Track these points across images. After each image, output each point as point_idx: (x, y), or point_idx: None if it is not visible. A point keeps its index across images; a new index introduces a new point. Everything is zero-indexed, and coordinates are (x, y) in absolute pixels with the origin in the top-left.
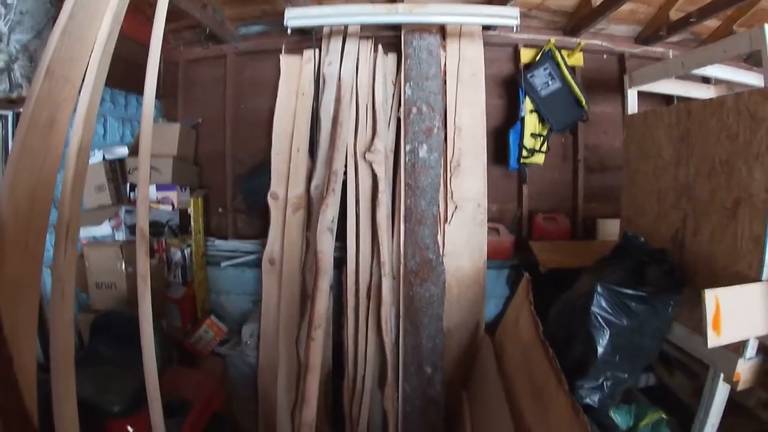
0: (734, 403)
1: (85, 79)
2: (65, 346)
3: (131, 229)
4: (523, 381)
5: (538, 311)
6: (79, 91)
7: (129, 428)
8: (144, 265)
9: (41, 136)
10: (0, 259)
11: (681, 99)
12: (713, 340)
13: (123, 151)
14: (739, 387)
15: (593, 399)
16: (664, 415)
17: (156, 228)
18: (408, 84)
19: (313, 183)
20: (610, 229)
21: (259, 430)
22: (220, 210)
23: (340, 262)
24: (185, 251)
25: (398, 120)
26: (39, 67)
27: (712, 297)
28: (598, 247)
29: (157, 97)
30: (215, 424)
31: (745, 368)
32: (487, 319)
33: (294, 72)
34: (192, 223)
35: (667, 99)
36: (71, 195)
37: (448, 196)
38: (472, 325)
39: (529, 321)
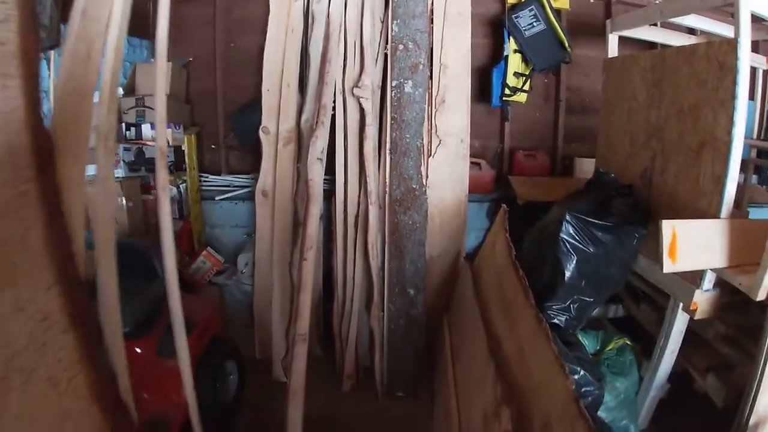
0: (694, 335)
1: (111, 17)
2: (106, 231)
3: (129, 166)
4: (496, 299)
5: (514, 241)
6: (107, 28)
7: (137, 349)
8: (163, 177)
9: (81, 65)
10: (56, 166)
11: (664, 47)
12: (668, 266)
13: (117, 92)
14: (697, 316)
15: (560, 319)
16: (628, 341)
17: (152, 165)
18: (395, 21)
19: (303, 117)
20: (587, 167)
21: (255, 351)
22: (212, 147)
23: (329, 194)
24: (181, 187)
25: (385, 56)
26: (74, 10)
27: (669, 227)
28: (574, 183)
29: (147, 37)
30: (215, 345)
31: (702, 299)
32: (468, 250)
33: (283, 10)
34: (186, 160)
35: (652, 47)
36: (107, 113)
37: (432, 130)
38: (454, 254)
39: (504, 246)
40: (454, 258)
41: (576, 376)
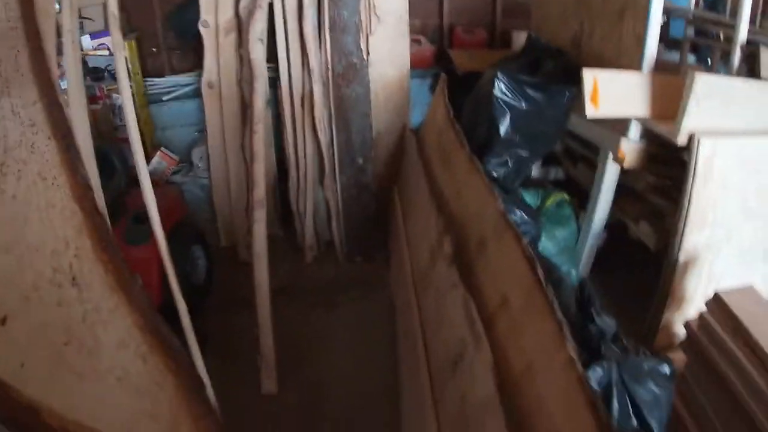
0: (627, 188)
1: None
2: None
3: None
4: (437, 157)
5: (455, 110)
6: None
7: None
8: (118, 39)
9: None
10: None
11: None
12: (591, 112)
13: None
14: (625, 166)
15: (499, 172)
16: (566, 196)
17: (96, 74)
18: None
19: (242, 4)
20: (524, 39)
21: (221, 240)
22: (153, 50)
23: (274, 82)
24: None
25: None
26: None
27: (590, 75)
28: (511, 53)
29: None
30: (179, 231)
31: (629, 149)
32: (414, 125)
33: None
34: (129, 66)
35: None
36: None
37: (371, 9)
38: (399, 127)
39: (443, 109)
40: (400, 132)
41: (513, 216)
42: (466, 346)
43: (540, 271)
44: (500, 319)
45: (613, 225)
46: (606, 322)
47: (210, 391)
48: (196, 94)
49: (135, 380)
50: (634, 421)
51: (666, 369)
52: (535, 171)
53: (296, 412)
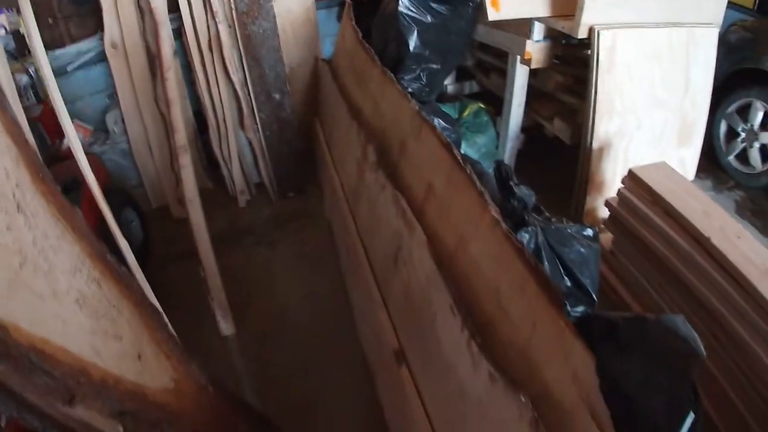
0: (538, 91)
1: None
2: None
3: None
4: (351, 79)
5: (363, 33)
6: None
7: None
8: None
9: None
10: None
11: None
12: (492, 14)
13: None
14: (533, 65)
15: (413, 87)
16: (482, 105)
17: None
18: None
19: None
20: None
21: (151, 203)
22: (50, 21)
23: (178, 33)
24: (30, 71)
25: None
26: None
27: None
28: None
29: None
30: (106, 195)
31: (534, 49)
32: (327, 57)
33: None
34: (27, 42)
35: None
36: None
37: None
38: (312, 60)
39: (351, 31)
40: (313, 64)
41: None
42: (402, 237)
43: (457, 152)
44: (429, 205)
45: (529, 127)
46: (525, 192)
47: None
48: (101, 58)
49: (93, 303)
50: (568, 282)
51: (589, 231)
52: (451, 87)
53: (257, 346)
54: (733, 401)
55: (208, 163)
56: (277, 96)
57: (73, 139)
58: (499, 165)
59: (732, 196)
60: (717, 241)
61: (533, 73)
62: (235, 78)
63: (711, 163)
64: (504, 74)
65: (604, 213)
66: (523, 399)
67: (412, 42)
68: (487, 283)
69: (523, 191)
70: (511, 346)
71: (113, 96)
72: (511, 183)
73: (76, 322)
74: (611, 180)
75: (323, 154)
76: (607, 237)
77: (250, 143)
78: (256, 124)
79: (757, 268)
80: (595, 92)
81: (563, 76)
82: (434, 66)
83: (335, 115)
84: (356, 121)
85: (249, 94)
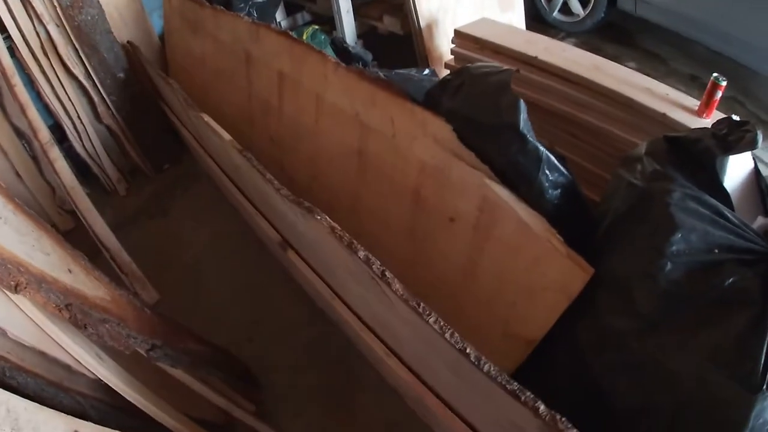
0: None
1: None
2: None
3: None
4: (188, 32)
5: None
6: None
7: None
8: None
9: None
10: None
11: None
12: None
13: None
14: None
15: None
16: (316, 26)
17: None
18: None
19: None
20: None
21: None
22: None
23: (12, 51)
24: None
25: None
26: None
27: None
28: None
29: None
30: None
31: None
32: (159, 32)
33: None
34: None
35: None
36: None
37: None
38: (147, 37)
39: None
40: (148, 39)
41: None
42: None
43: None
44: (285, 90)
45: (365, 33)
46: (360, 51)
47: None
48: None
49: (16, 224)
50: None
51: (428, 71)
52: (284, 22)
53: (184, 300)
54: (604, 177)
55: (78, 170)
56: (122, 75)
57: None
58: (332, 39)
59: None
60: (544, 57)
61: None
62: (77, 71)
63: (539, 23)
64: None
65: None
66: None
67: None
68: (348, 113)
69: (358, 50)
70: (385, 146)
71: None
72: (347, 46)
73: (4, 232)
74: (447, 52)
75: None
76: None
77: (111, 130)
78: (110, 109)
79: (586, 66)
80: None
81: None
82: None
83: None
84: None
85: (95, 83)
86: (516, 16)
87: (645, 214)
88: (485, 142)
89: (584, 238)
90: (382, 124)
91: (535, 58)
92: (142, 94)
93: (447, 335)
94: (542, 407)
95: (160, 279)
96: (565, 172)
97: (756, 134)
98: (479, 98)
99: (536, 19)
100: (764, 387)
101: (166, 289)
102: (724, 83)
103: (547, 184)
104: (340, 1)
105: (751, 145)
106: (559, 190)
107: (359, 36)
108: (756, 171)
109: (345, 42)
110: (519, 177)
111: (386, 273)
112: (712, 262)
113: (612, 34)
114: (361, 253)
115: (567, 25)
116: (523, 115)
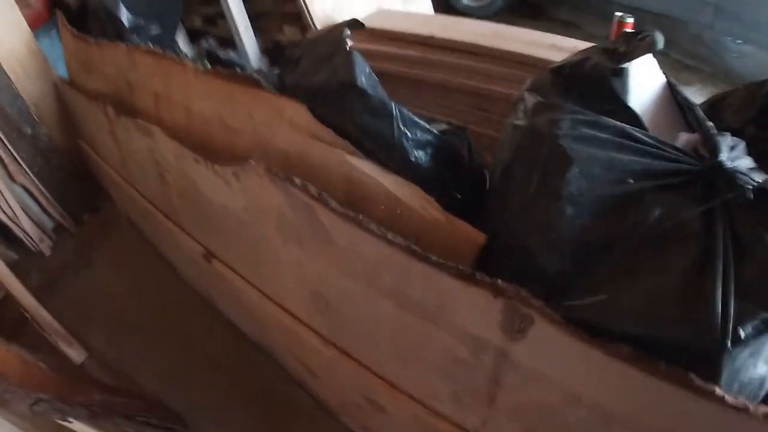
0: (259, 12)
1: None
2: None
3: None
4: (83, 74)
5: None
6: None
7: None
8: None
9: None
10: None
11: None
12: None
13: None
14: None
15: None
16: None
17: None
18: None
19: None
20: None
21: None
22: None
23: None
24: None
25: None
26: None
27: None
28: None
29: None
30: None
31: None
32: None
33: None
34: None
35: None
36: None
37: None
38: (51, 86)
39: (68, 34)
40: (54, 89)
41: None
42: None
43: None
44: (162, 109)
45: (269, 49)
46: (233, 56)
47: None
48: None
49: None
50: None
51: None
52: (190, 53)
53: (112, 360)
54: None
55: (1, 234)
56: (29, 130)
57: None
58: (206, 50)
59: None
60: (441, 34)
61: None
62: None
63: (451, 13)
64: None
65: None
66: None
67: (123, 16)
68: (213, 119)
69: (231, 56)
70: (249, 145)
71: None
72: (219, 54)
73: None
74: None
75: (94, 160)
76: None
77: (26, 189)
78: (22, 166)
79: (486, 35)
80: None
81: None
82: (155, 32)
83: (84, 115)
84: (95, 101)
85: (2, 141)
86: (422, 8)
87: (533, 156)
88: (335, 113)
89: (478, 201)
90: (242, 122)
91: (431, 37)
92: (53, 147)
93: (390, 236)
94: (500, 281)
95: (88, 335)
96: (428, 127)
97: (654, 35)
98: (316, 64)
99: (447, 9)
100: (728, 343)
101: (94, 343)
102: (630, 20)
103: (408, 145)
104: (236, 19)
105: (649, 48)
106: (425, 150)
107: (264, 51)
108: (670, 85)
109: (216, 47)
110: (375, 142)
111: (322, 193)
112: (627, 195)
113: (524, 11)
114: (298, 181)
115: (478, 10)
116: (361, 69)
